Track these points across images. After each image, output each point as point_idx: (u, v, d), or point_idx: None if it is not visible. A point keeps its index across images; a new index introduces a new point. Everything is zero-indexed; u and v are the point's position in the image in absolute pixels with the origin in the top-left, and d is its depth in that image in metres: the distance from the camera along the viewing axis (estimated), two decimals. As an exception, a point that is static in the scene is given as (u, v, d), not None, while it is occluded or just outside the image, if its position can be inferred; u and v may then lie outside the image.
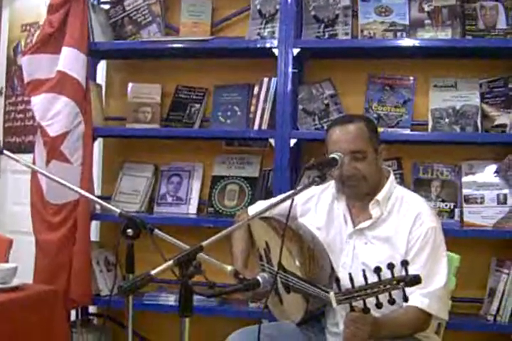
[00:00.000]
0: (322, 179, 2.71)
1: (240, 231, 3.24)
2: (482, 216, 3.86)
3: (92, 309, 4.52)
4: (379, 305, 2.27)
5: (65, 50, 4.12)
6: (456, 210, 3.90)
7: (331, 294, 2.39)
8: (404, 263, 2.25)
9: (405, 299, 2.27)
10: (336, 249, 2.96)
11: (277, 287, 3.01)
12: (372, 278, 2.36)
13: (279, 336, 2.93)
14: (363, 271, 2.37)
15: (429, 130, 3.95)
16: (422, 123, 4.03)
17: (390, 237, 2.87)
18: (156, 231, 2.71)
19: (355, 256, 2.93)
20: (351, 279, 2.39)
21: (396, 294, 2.30)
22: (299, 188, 2.73)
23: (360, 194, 2.97)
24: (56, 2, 4.14)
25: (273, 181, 4.05)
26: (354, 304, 2.37)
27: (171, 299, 4.04)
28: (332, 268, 2.90)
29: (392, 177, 3.01)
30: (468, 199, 3.90)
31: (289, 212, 2.68)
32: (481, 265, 3.90)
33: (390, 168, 3.20)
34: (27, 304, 3.44)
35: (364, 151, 2.88)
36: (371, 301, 2.32)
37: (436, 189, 3.98)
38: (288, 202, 2.74)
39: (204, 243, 2.31)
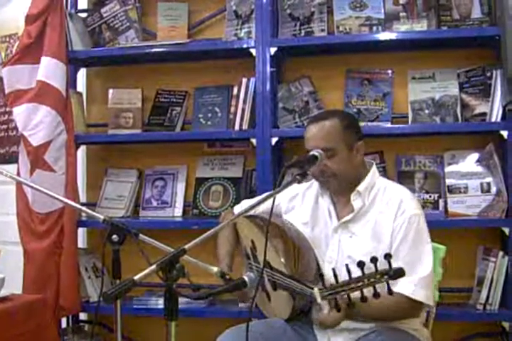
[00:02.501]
0: (303, 177, 2.72)
1: (225, 231, 3.27)
2: (466, 205, 3.87)
3: (82, 316, 4.51)
4: (364, 299, 2.28)
5: (45, 60, 4.12)
6: (441, 201, 3.90)
7: (315, 290, 2.40)
8: (388, 257, 2.25)
9: (390, 292, 2.28)
10: (321, 244, 2.98)
11: (264, 284, 3.02)
12: (358, 272, 2.39)
13: (268, 333, 2.93)
14: (346, 265, 2.37)
15: (410, 122, 3.96)
16: (402, 116, 4.03)
17: (373, 227, 2.89)
18: (141, 235, 2.71)
19: (340, 250, 2.94)
20: (335, 274, 2.40)
21: (380, 287, 2.31)
22: (280, 187, 2.74)
23: (335, 190, 3.00)
24: (33, 13, 4.14)
25: (256, 180, 4.04)
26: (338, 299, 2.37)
27: (160, 303, 4.03)
28: (318, 264, 2.90)
29: (374, 168, 3.03)
30: (451, 190, 3.91)
31: (272, 210, 2.69)
32: (468, 254, 3.90)
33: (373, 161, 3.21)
34: (16, 314, 3.43)
35: (333, 149, 2.89)
36: (356, 295, 2.32)
37: (419, 180, 3.99)
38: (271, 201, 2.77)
39: (187, 246, 2.31)
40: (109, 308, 2.74)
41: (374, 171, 3.03)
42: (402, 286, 2.70)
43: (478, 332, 3.95)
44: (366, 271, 2.33)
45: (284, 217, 3.14)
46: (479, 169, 3.90)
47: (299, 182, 2.71)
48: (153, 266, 2.19)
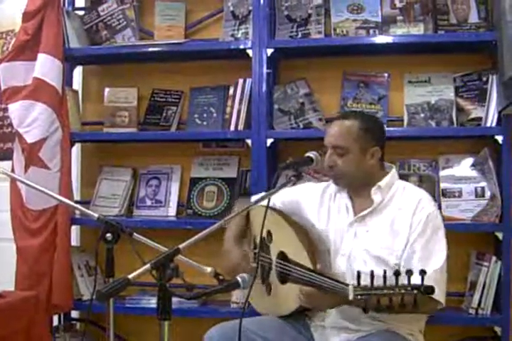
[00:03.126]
0: (298, 178, 2.76)
1: (236, 218, 3.30)
2: (460, 209, 3.88)
3: (74, 314, 4.50)
4: (391, 308, 2.29)
5: (41, 57, 4.13)
6: (435, 205, 3.91)
7: (350, 287, 2.40)
8: (422, 273, 2.27)
9: (415, 305, 2.29)
10: (336, 239, 3.01)
11: (268, 277, 3.05)
12: (374, 265, 2.56)
13: (260, 331, 2.96)
14: (384, 271, 2.35)
15: (405, 125, 3.96)
16: (397, 119, 4.04)
17: (391, 223, 2.93)
18: (135, 234, 2.71)
19: (356, 243, 2.97)
20: (358, 276, 2.40)
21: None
22: (275, 188, 2.79)
23: (344, 187, 3.09)
24: (31, 10, 4.14)
25: (251, 181, 4.05)
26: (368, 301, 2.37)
27: (152, 302, 4.03)
28: (330, 262, 2.98)
29: (393, 171, 3.11)
30: (446, 193, 3.92)
31: (265, 213, 2.77)
32: (461, 258, 3.90)
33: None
34: (8, 311, 3.43)
35: (344, 148, 2.96)
36: (385, 301, 2.32)
37: (414, 184, 3.97)
38: (291, 193, 3.09)
39: (181, 245, 2.32)
40: (102, 307, 2.74)
41: (394, 173, 3.10)
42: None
43: (470, 336, 3.95)
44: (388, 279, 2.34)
45: (302, 214, 3.19)
46: (474, 173, 3.91)
47: (294, 183, 2.75)
48: (148, 265, 2.20)
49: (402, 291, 2.28)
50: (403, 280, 2.29)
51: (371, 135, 3.02)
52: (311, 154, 2.92)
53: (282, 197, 3.22)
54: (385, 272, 2.32)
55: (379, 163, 3.06)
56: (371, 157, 3.00)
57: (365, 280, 2.37)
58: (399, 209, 2.95)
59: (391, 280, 2.31)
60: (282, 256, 3.04)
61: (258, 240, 3.18)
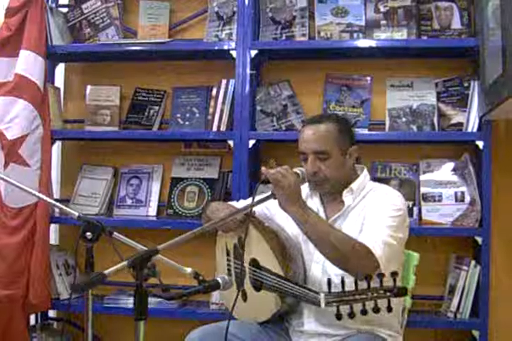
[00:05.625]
0: None
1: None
2: (440, 214, 3.90)
3: (51, 313, 4.48)
4: (364, 312, 2.29)
5: (23, 54, 4.10)
6: (415, 208, 3.93)
7: (322, 295, 2.39)
8: (394, 275, 2.26)
9: (389, 309, 2.28)
10: (309, 245, 2.96)
11: (243, 284, 3.03)
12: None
13: (241, 334, 2.95)
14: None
15: (387, 129, 3.99)
16: (379, 123, 4.06)
17: (362, 221, 2.90)
18: (115, 234, 2.70)
19: None
20: (329, 283, 2.39)
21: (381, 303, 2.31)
22: (257, 200, 2.81)
23: (326, 192, 3.05)
24: (14, 6, 4.12)
25: (232, 182, 4.05)
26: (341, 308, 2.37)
27: (130, 302, 3.96)
28: (305, 268, 2.96)
29: (365, 172, 3.10)
30: (426, 198, 3.94)
31: (247, 224, 2.83)
32: (441, 262, 3.94)
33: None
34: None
35: (327, 152, 2.95)
36: (358, 307, 2.32)
37: (394, 188, 3.97)
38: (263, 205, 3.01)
39: (160, 246, 2.33)
40: (80, 306, 2.73)
41: (365, 174, 3.10)
42: (365, 238, 2.73)
43: (449, 339, 3.97)
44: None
45: (274, 220, 3.15)
46: (454, 178, 3.93)
47: (275, 198, 2.73)
48: (125, 262, 2.22)
49: (375, 295, 2.28)
50: (375, 283, 2.29)
51: (347, 135, 3.03)
52: (297, 170, 2.89)
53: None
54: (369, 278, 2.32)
55: (354, 162, 3.07)
56: (350, 157, 3.01)
57: (336, 287, 2.38)
58: (366, 207, 2.94)
59: (362, 286, 2.30)
60: (254, 263, 3.02)
61: (230, 247, 3.18)
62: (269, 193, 2.80)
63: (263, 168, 2.78)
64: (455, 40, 3.91)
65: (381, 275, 2.27)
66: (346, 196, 2.98)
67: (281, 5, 4.13)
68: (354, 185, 3.00)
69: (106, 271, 2.20)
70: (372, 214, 2.86)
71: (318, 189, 3.06)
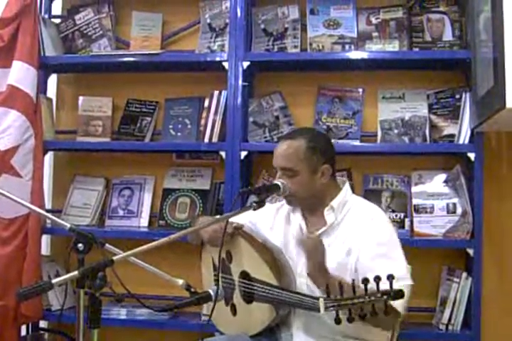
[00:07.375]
0: (259, 205, 2.71)
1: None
2: (432, 225, 3.89)
3: (42, 324, 4.44)
4: (362, 316, 2.28)
5: (16, 64, 4.10)
6: (407, 220, 3.93)
7: (321, 300, 2.39)
8: (390, 278, 2.25)
9: (386, 312, 2.27)
10: (293, 258, 2.96)
11: (231, 298, 3.02)
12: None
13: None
14: (353, 280, 2.36)
15: (378, 141, 3.99)
16: (371, 135, 4.07)
17: (344, 241, 2.88)
18: (107, 245, 2.70)
19: None
20: (308, 287, 2.39)
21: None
22: (235, 211, 2.76)
23: (298, 207, 3.05)
24: (7, 16, 4.12)
25: (224, 193, 4.05)
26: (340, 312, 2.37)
27: (122, 313, 4.01)
28: (294, 280, 2.92)
29: (346, 186, 3.05)
30: (418, 209, 3.94)
31: (223, 234, 2.79)
32: (432, 274, 3.94)
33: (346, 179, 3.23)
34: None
35: (293, 170, 2.91)
36: (356, 311, 2.32)
37: (386, 199, 4.01)
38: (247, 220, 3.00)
39: (115, 257, 2.31)
40: (71, 317, 2.72)
41: (347, 189, 3.04)
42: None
43: (440, 352, 3.97)
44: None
45: (261, 234, 3.13)
46: (446, 190, 3.94)
47: (255, 209, 2.70)
48: (75, 272, 2.23)
49: (373, 298, 2.28)
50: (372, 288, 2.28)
51: (320, 153, 2.95)
52: (278, 182, 2.87)
53: (241, 218, 3.11)
54: (353, 281, 2.31)
55: (331, 179, 3.00)
56: (321, 175, 2.95)
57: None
58: (351, 228, 2.90)
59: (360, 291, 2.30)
60: (245, 275, 2.99)
61: (215, 261, 3.16)
62: (248, 204, 2.79)
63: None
64: (447, 52, 3.93)
65: (378, 279, 2.26)
66: (328, 214, 2.95)
67: (274, 17, 4.15)
68: (334, 203, 2.95)
69: (53, 280, 2.22)
70: (375, 256, 2.81)
71: (288, 204, 3.05)
